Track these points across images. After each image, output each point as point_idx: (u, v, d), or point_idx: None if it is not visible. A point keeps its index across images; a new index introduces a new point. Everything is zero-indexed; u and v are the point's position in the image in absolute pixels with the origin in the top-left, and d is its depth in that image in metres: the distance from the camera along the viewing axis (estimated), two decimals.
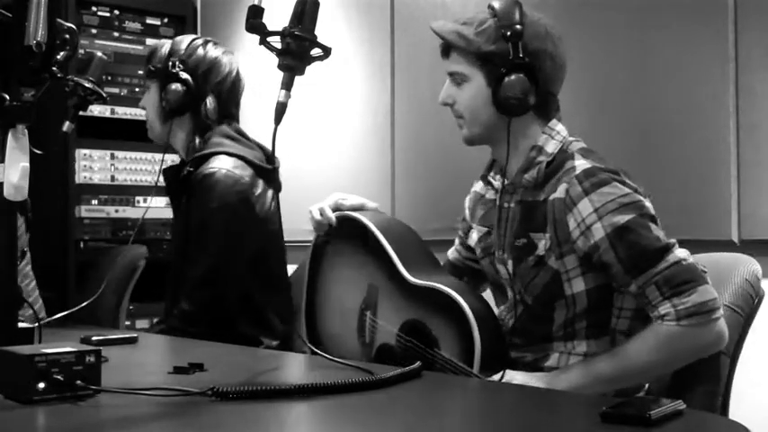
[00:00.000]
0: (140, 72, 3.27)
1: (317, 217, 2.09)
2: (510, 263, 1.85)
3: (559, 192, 1.77)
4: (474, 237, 2.02)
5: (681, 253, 1.70)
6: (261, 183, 2.43)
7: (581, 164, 1.77)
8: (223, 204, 2.33)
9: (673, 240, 1.72)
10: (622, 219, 1.70)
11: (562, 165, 1.80)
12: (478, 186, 2.05)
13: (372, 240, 2.01)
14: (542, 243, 1.79)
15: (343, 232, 2.09)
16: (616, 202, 1.72)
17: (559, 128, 1.87)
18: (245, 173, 2.39)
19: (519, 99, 1.78)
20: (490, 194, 1.97)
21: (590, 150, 1.83)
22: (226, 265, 2.34)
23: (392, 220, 2.16)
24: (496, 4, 1.83)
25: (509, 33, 1.79)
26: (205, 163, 2.39)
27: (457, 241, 2.16)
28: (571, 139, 1.86)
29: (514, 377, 1.71)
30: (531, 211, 1.82)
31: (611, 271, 1.73)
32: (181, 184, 2.43)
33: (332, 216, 2.08)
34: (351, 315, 2.06)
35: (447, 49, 1.89)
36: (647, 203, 1.75)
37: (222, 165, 2.37)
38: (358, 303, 2.05)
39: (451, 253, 2.17)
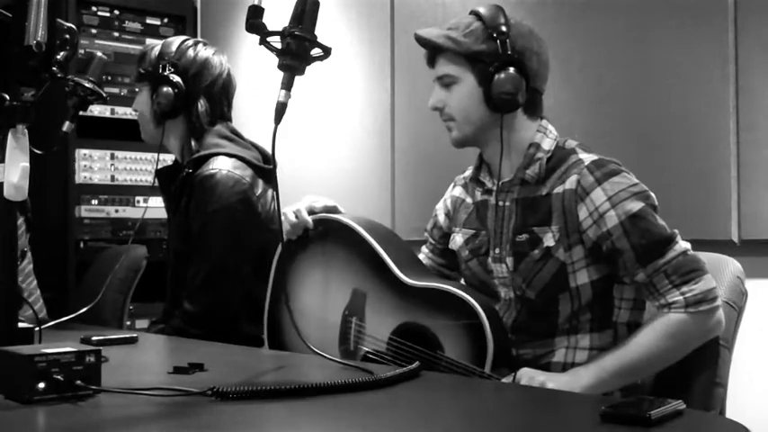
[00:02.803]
0: None
1: (293, 219, 2.03)
2: (510, 260, 1.86)
3: (569, 183, 1.80)
4: (458, 240, 2.01)
5: (684, 244, 1.76)
6: (261, 183, 2.43)
7: (587, 156, 1.82)
8: (224, 205, 2.33)
9: (676, 230, 1.77)
10: (635, 207, 1.75)
11: (564, 159, 1.84)
12: (457, 191, 2.07)
13: (358, 243, 1.95)
14: (549, 236, 1.81)
15: (320, 235, 2.02)
16: (628, 191, 1.77)
17: (551, 127, 1.91)
18: (245, 173, 2.39)
19: (511, 94, 1.81)
20: (477, 197, 1.97)
21: (587, 146, 1.88)
22: (228, 265, 2.34)
23: (373, 221, 2.07)
24: (481, 9, 1.87)
25: (496, 33, 1.83)
26: (204, 164, 2.39)
27: (426, 249, 2.16)
28: (562, 137, 1.90)
29: (535, 377, 1.71)
30: (533, 206, 1.84)
31: (622, 258, 1.75)
32: (179, 185, 2.43)
33: (308, 218, 2.02)
34: (331, 323, 1.99)
35: (433, 55, 1.92)
36: (652, 194, 1.80)
37: (222, 166, 2.36)
38: (340, 310, 1.98)
39: (423, 261, 2.14)
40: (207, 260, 2.33)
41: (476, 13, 1.88)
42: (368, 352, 1.92)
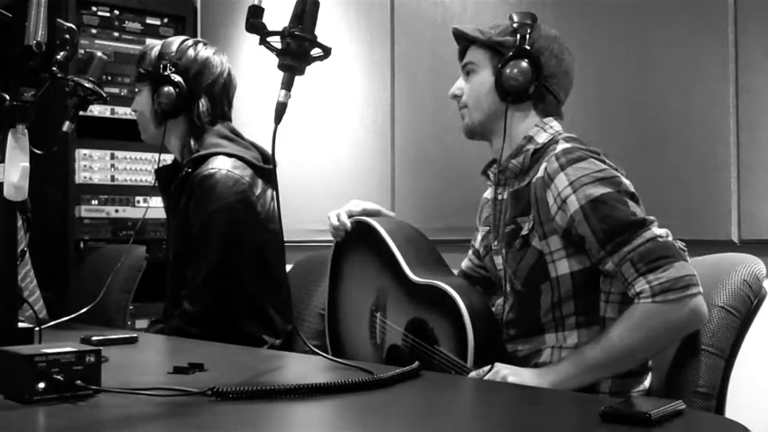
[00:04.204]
0: None
1: (335, 222, 2.15)
2: (503, 251, 1.90)
3: (540, 172, 1.82)
4: (478, 239, 2.09)
5: (658, 230, 1.71)
6: (260, 182, 2.43)
7: (561, 145, 1.84)
8: (224, 205, 2.33)
9: (651, 217, 1.74)
10: (597, 191, 1.74)
11: (546, 150, 1.86)
12: (487, 192, 2.11)
13: (381, 243, 2.05)
14: (527, 225, 1.83)
15: (358, 237, 2.14)
16: (591, 176, 1.76)
17: (553, 124, 1.92)
18: (244, 173, 2.39)
19: (518, 82, 1.86)
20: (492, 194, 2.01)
21: (574, 138, 1.89)
22: (228, 265, 2.34)
23: (403, 224, 2.20)
24: (515, 13, 1.95)
25: (519, 29, 1.90)
26: (204, 164, 2.38)
27: (470, 252, 2.20)
28: (564, 133, 1.91)
29: (501, 370, 1.71)
30: (519, 197, 1.87)
31: (587, 244, 1.75)
32: (179, 184, 2.43)
33: (347, 221, 2.14)
34: (363, 317, 2.10)
35: (464, 49, 2.00)
36: (625, 180, 1.78)
37: (222, 165, 2.36)
38: (369, 306, 2.09)
39: (464, 263, 2.21)
40: (206, 260, 2.33)
41: (510, 17, 1.95)
42: (392, 346, 2.00)
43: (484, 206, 2.10)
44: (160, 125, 2.48)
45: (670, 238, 1.72)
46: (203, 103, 2.46)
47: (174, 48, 2.47)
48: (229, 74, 2.53)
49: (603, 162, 1.79)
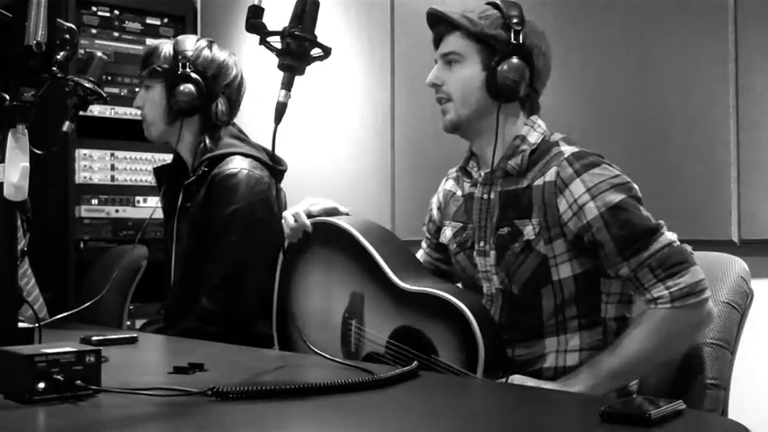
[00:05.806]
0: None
1: (292, 223, 2.04)
2: (493, 253, 1.86)
3: (549, 176, 1.79)
4: (448, 234, 2.01)
5: (670, 235, 1.73)
6: (275, 183, 2.44)
7: (568, 149, 1.82)
8: (245, 205, 2.33)
9: (661, 221, 1.74)
10: (615, 198, 1.73)
11: (547, 152, 1.83)
12: (449, 184, 2.07)
13: (355, 246, 1.96)
14: (529, 228, 1.80)
15: (320, 239, 2.04)
16: (608, 183, 1.75)
17: (540, 122, 1.91)
18: (263, 174, 2.40)
19: (515, 83, 1.82)
20: (466, 189, 1.97)
21: (572, 140, 1.87)
22: (247, 264, 2.34)
23: (370, 223, 2.08)
24: (498, 2, 1.89)
25: (511, 24, 1.84)
26: (223, 163, 2.38)
27: (424, 244, 2.16)
28: (550, 132, 1.90)
29: (525, 383, 1.70)
30: (514, 198, 1.84)
31: (603, 251, 1.74)
32: (195, 183, 2.42)
33: (307, 222, 2.03)
34: (332, 325, 2.00)
35: (441, 35, 1.92)
36: (635, 185, 1.78)
37: (242, 165, 2.37)
38: (340, 312, 1.99)
39: (420, 257, 2.16)
40: (226, 259, 2.33)
41: (493, 4, 1.89)
42: (370, 354, 1.92)
43: (449, 200, 2.03)
44: (173, 122, 2.48)
45: (678, 242, 1.73)
46: (221, 103, 2.47)
47: (190, 47, 2.47)
48: (242, 76, 2.55)
49: (612, 166, 1.79)
